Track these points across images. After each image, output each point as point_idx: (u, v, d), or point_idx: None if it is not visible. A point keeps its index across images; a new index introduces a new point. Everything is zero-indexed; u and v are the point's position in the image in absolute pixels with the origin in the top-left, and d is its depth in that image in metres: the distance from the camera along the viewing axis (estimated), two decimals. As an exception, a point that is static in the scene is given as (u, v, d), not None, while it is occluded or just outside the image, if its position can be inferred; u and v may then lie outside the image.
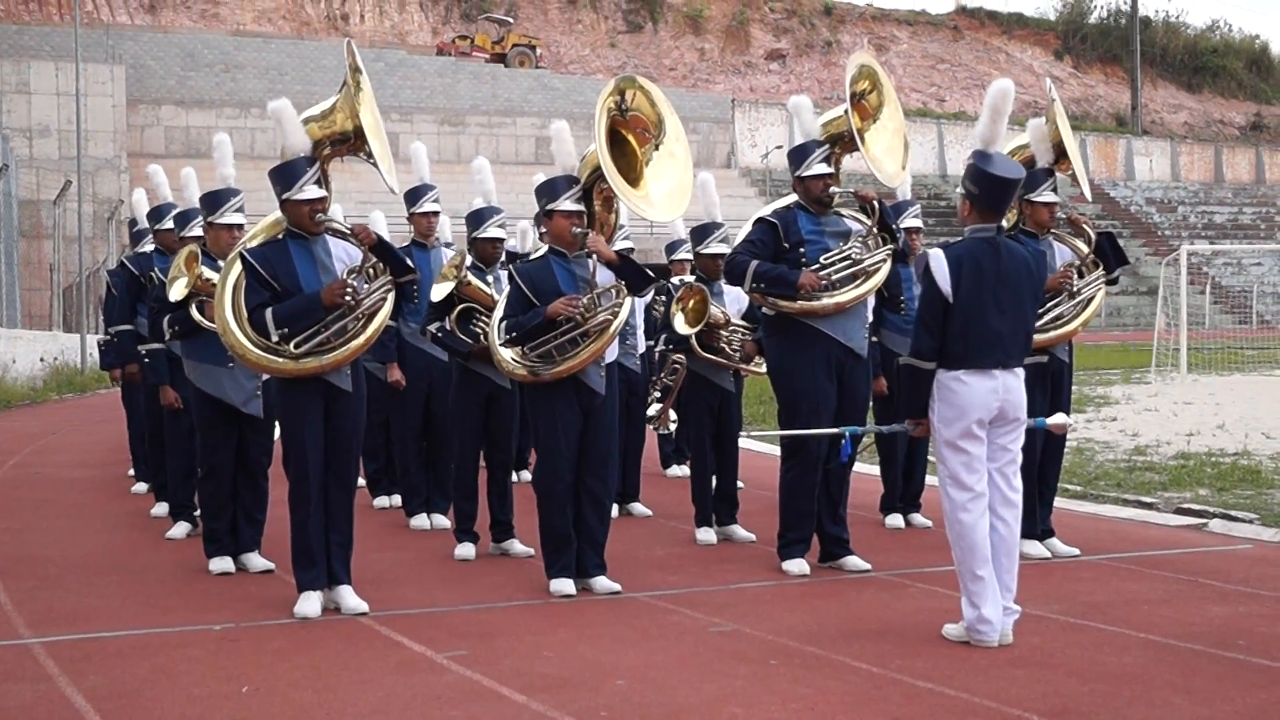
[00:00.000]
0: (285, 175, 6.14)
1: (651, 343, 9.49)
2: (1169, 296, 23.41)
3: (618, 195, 6.48)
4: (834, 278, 6.95)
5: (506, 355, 6.62)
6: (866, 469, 10.20)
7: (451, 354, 7.79)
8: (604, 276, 6.57)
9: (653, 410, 8.84)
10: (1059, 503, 8.08)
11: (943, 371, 5.55)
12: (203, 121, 44.74)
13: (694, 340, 8.11)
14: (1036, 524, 7.36)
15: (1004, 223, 5.74)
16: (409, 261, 6.40)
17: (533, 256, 7.01)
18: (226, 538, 7.24)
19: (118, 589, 6.79)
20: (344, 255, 6.28)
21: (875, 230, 7.13)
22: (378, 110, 6.33)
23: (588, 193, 6.65)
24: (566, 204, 6.53)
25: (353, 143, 6.23)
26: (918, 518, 8.53)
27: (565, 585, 6.51)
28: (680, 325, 8.07)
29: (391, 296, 6.27)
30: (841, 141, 7.18)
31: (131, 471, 11.09)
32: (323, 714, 4.65)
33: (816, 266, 6.96)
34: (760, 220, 7.14)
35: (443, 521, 8.58)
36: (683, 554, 7.72)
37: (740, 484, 8.47)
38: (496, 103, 49.96)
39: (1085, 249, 7.47)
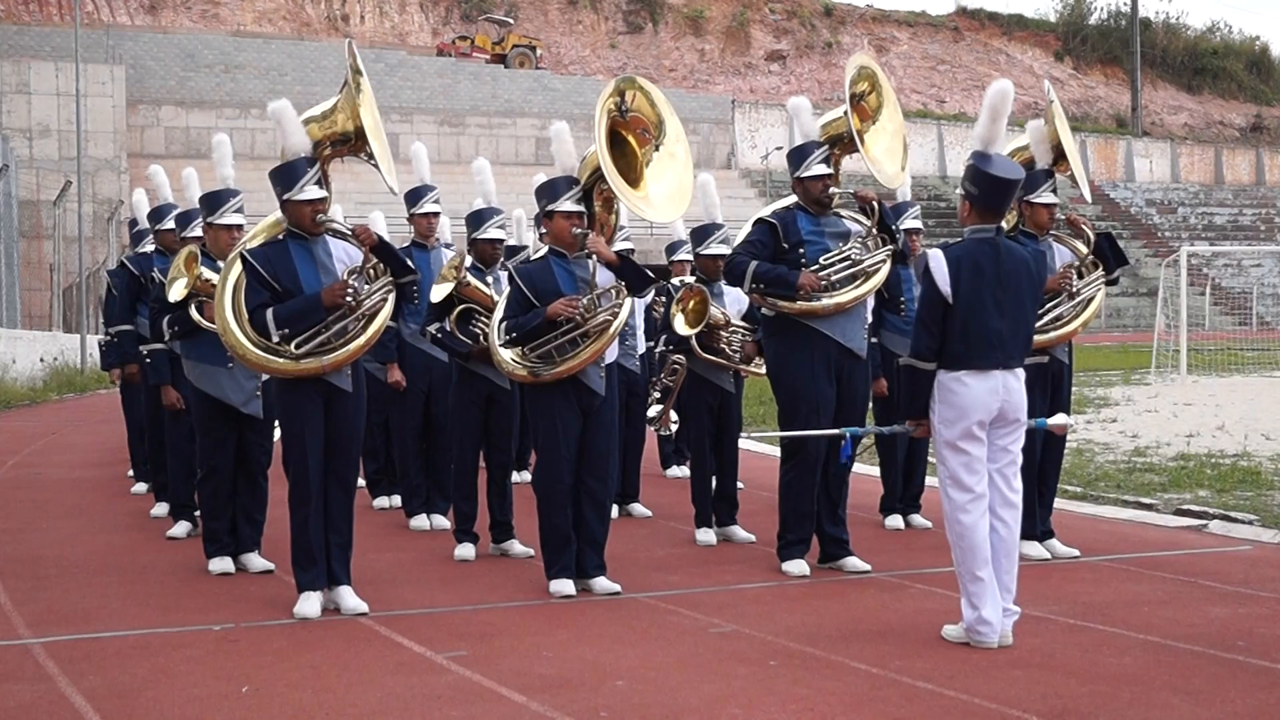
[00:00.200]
0: (286, 176, 6.14)
1: (652, 344, 9.50)
2: (1169, 298, 23.41)
3: (618, 196, 6.48)
4: (833, 278, 6.95)
5: (506, 356, 6.62)
6: (866, 470, 10.20)
7: (451, 355, 7.79)
8: (604, 277, 6.57)
9: (653, 411, 8.85)
10: (1059, 504, 8.08)
11: (943, 372, 5.55)
12: (203, 122, 44.73)
13: (694, 341, 8.11)
14: (1036, 525, 7.36)
15: (1004, 224, 5.73)
16: (409, 262, 6.40)
17: (533, 257, 7.01)
18: (226, 538, 7.24)
19: (117, 589, 6.79)
20: (344, 256, 6.28)
21: (875, 231, 7.14)
22: (378, 111, 6.33)
23: (588, 193, 6.65)
24: (567, 205, 6.53)
25: (353, 143, 6.23)
26: (917, 519, 8.54)
27: (565, 586, 6.51)
28: (680, 326, 8.07)
29: (392, 297, 6.27)
30: (841, 142, 7.19)
31: (131, 472, 11.09)
32: (322, 714, 4.65)
33: (816, 267, 6.96)
34: (760, 221, 7.14)
35: (442, 522, 8.59)
36: (682, 555, 7.72)
37: (740, 484, 8.47)
38: (496, 103, 49.96)
39: (1085, 250, 7.47)
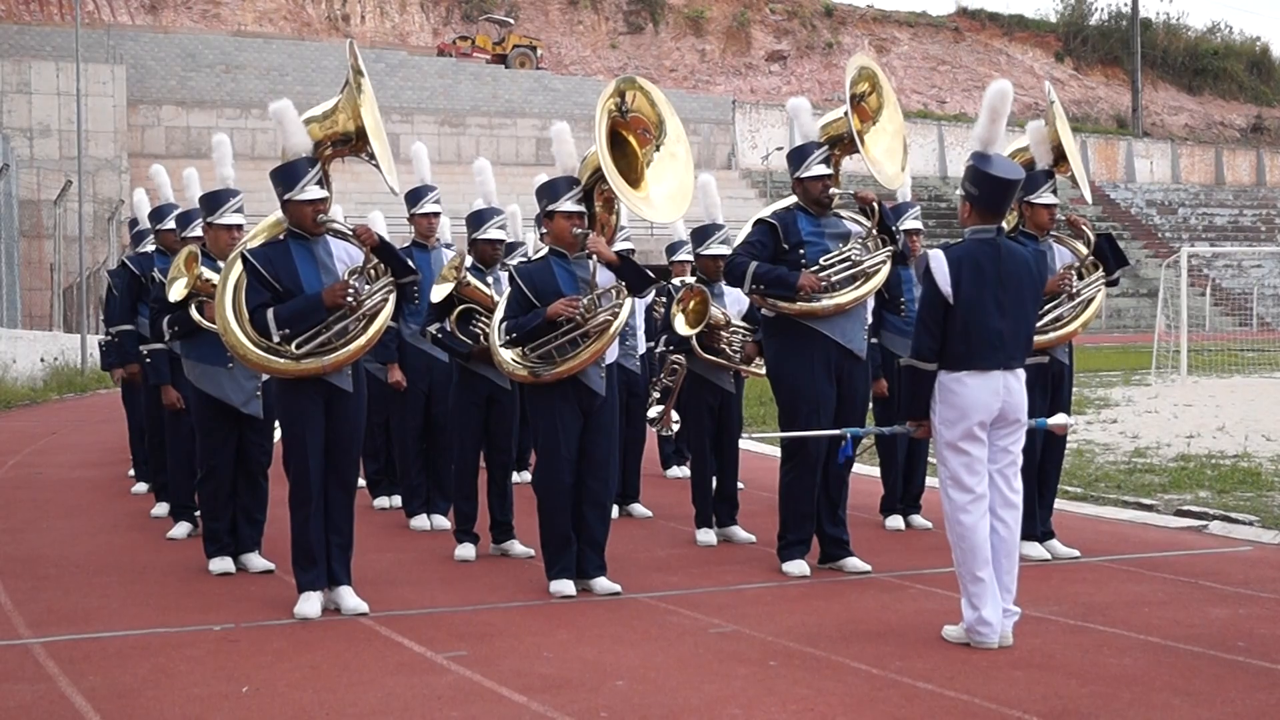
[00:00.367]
0: (287, 176, 6.14)
1: (652, 344, 9.50)
2: (1169, 298, 23.41)
3: (618, 196, 6.48)
4: (833, 279, 6.95)
5: (507, 356, 6.62)
6: (866, 470, 10.21)
7: (452, 355, 7.80)
8: (604, 277, 6.57)
9: (654, 412, 8.85)
10: (1059, 504, 8.08)
11: (944, 373, 5.55)
12: (203, 122, 44.73)
13: (695, 341, 8.11)
14: (1036, 526, 7.36)
15: (1004, 224, 5.73)
16: (410, 263, 6.40)
17: (533, 257, 7.00)
18: (227, 538, 7.25)
19: (118, 589, 6.80)
20: (345, 256, 6.28)
21: (875, 232, 7.14)
22: (379, 111, 6.33)
23: (588, 194, 6.65)
24: (567, 205, 6.53)
25: (354, 143, 6.23)
26: (918, 519, 8.53)
27: (565, 586, 6.51)
28: (681, 326, 8.08)
29: (393, 298, 6.27)
30: (841, 143, 7.19)
31: (131, 472, 11.09)
32: (323, 714, 4.65)
33: (816, 268, 6.96)
34: (760, 221, 7.14)
35: (443, 522, 8.59)
36: (683, 555, 7.72)
37: (740, 485, 8.47)
38: (497, 104, 49.96)
39: (1085, 250, 7.47)
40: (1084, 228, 7.53)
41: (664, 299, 9.19)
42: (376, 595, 6.39)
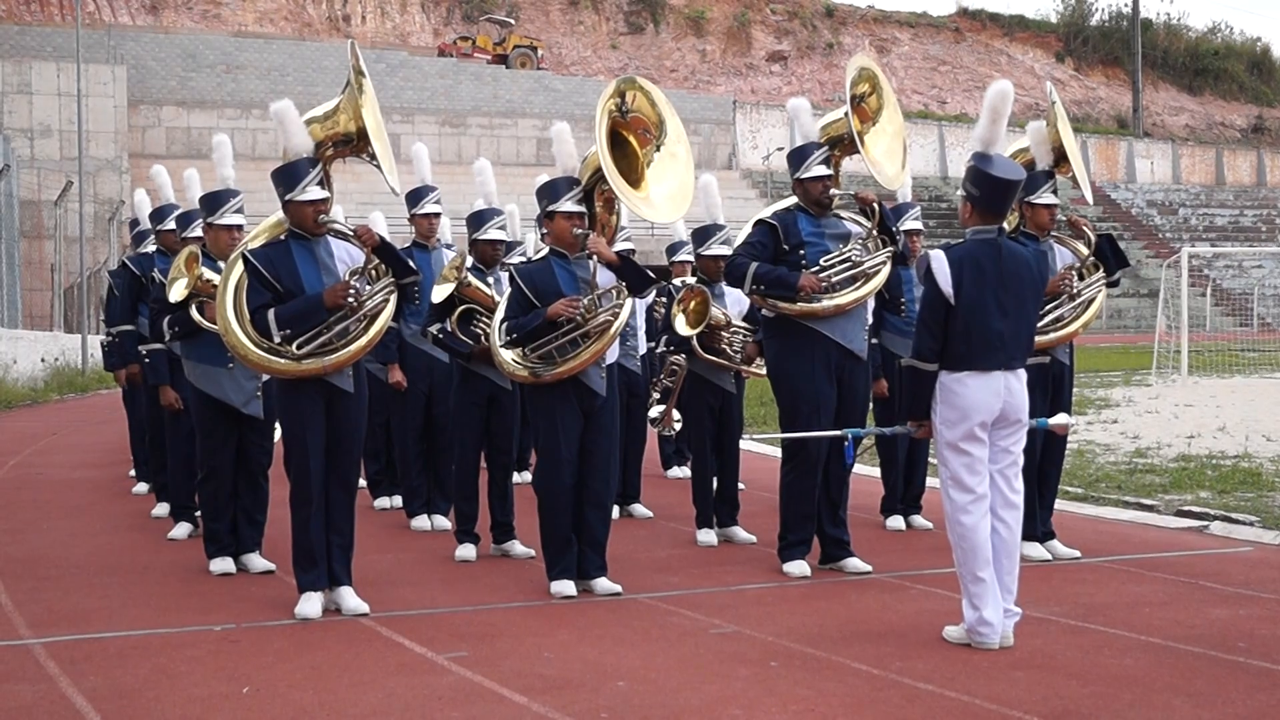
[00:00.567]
0: (288, 176, 6.14)
1: (653, 344, 9.50)
2: (1170, 299, 23.41)
3: (619, 197, 6.48)
4: (834, 280, 6.95)
5: (507, 356, 6.62)
6: (867, 471, 10.21)
7: (452, 355, 7.80)
8: (605, 278, 6.57)
9: (655, 412, 8.85)
10: (1059, 505, 8.08)
11: (945, 373, 5.55)
12: (204, 122, 44.74)
13: (695, 342, 8.11)
14: (1037, 526, 7.36)
15: (1004, 225, 5.73)
16: (410, 263, 6.40)
17: (534, 257, 7.00)
18: (227, 538, 7.25)
19: (118, 589, 6.80)
20: (346, 256, 6.28)
21: (875, 233, 7.14)
22: (379, 112, 6.33)
23: (589, 194, 6.65)
24: (568, 205, 6.53)
25: (355, 144, 6.23)
26: (918, 519, 8.53)
27: (566, 586, 6.51)
28: (681, 327, 8.08)
29: (394, 298, 6.27)
30: (841, 144, 7.19)
31: (132, 472, 11.09)
32: (323, 715, 4.66)
33: (816, 269, 6.96)
34: (760, 222, 7.14)
35: (443, 523, 8.59)
36: (683, 555, 7.72)
37: (741, 485, 8.47)
38: (498, 104, 49.98)
39: (1085, 251, 7.47)
40: (1085, 228, 7.53)
41: (665, 299, 9.18)
42: (377, 596, 6.39)
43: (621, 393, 7.31)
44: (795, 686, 4.94)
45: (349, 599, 6.19)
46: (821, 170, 7.03)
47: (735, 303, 8.30)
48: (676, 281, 10.00)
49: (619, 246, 7.29)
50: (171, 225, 8.91)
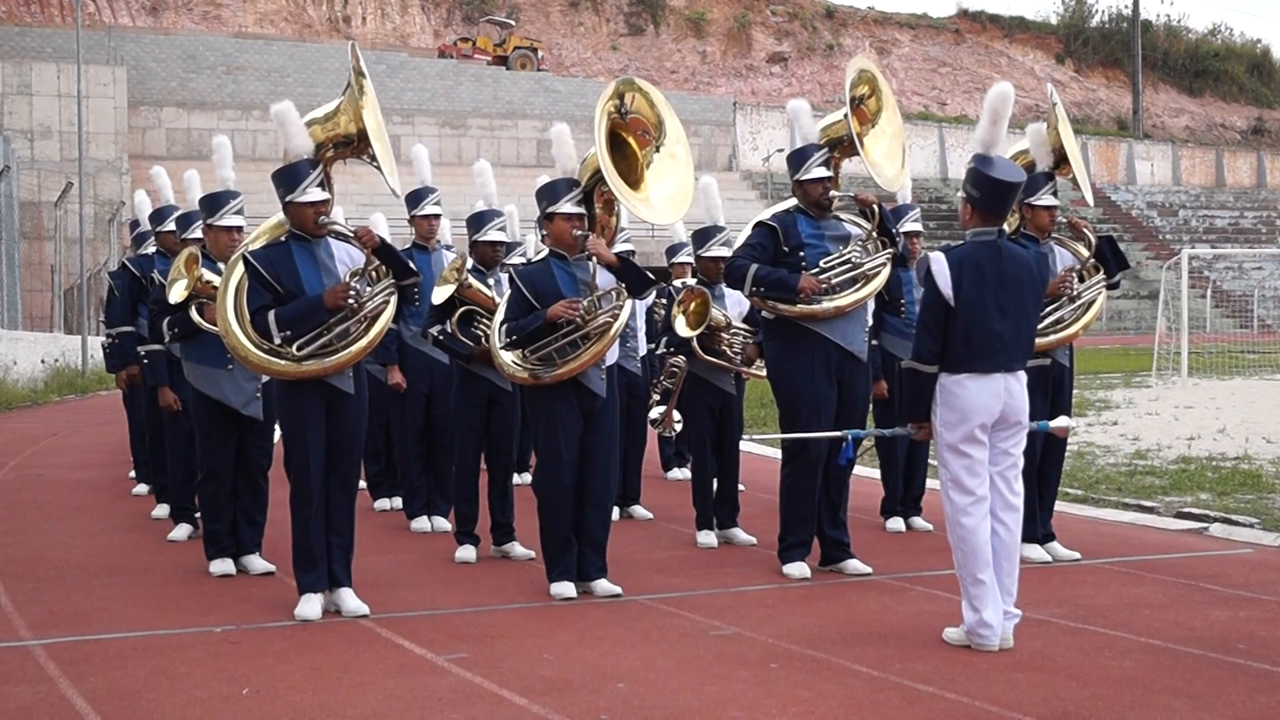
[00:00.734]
0: (289, 177, 6.14)
1: (653, 345, 9.50)
2: (1170, 300, 23.41)
3: (618, 198, 6.48)
4: (834, 281, 6.96)
5: (507, 358, 6.62)
6: (867, 472, 10.21)
7: (453, 356, 7.80)
8: (604, 279, 6.57)
9: (655, 414, 8.85)
10: (1059, 506, 8.08)
11: (945, 375, 5.55)
12: (204, 123, 44.73)
13: (695, 343, 8.12)
14: (1037, 528, 7.36)
15: (1005, 226, 5.73)
16: (411, 264, 6.40)
17: (533, 259, 7.00)
18: (227, 539, 7.25)
19: (118, 591, 6.80)
20: (346, 258, 6.28)
21: (875, 234, 7.14)
22: (380, 113, 6.33)
23: (588, 195, 6.65)
24: (567, 207, 6.53)
25: (356, 145, 6.23)
26: (918, 521, 8.53)
27: (566, 588, 6.51)
28: (682, 328, 8.08)
29: (394, 300, 6.27)
30: (841, 145, 7.19)
31: (133, 473, 11.09)
32: (323, 716, 4.66)
33: (816, 270, 6.96)
34: (760, 224, 7.15)
35: (443, 524, 8.59)
36: (683, 557, 7.72)
37: (741, 487, 8.47)
38: (498, 105, 49.99)
39: (1086, 253, 7.48)
40: (1085, 230, 7.53)
41: (665, 301, 9.18)
42: (377, 597, 6.39)
43: (621, 394, 7.31)
44: (795, 688, 4.94)
45: (349, 600, 6.19)
46: (821, 172, 7.03)
47: (735, 304, 8.30)
48: (677, 283, 10.00)
49: (619, 248, 7.29)
50: (171, 226, 8.91)
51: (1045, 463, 7.42)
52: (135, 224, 10.61)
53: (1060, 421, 6.20)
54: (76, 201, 30.49)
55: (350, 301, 6.08)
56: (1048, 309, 7.15)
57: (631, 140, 6.63)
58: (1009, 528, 5.58)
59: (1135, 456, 11.93)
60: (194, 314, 7.36)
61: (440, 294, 7.72)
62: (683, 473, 11.17)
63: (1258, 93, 73.67)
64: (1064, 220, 7.47)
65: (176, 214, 8.86)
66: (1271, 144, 68.42)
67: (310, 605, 6.11)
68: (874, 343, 7.76)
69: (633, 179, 6.54)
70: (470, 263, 7.91)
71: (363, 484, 9.42)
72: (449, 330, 7.63)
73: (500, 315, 6.81)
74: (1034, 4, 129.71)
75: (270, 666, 5.29)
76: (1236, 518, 8.52)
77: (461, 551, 7.59)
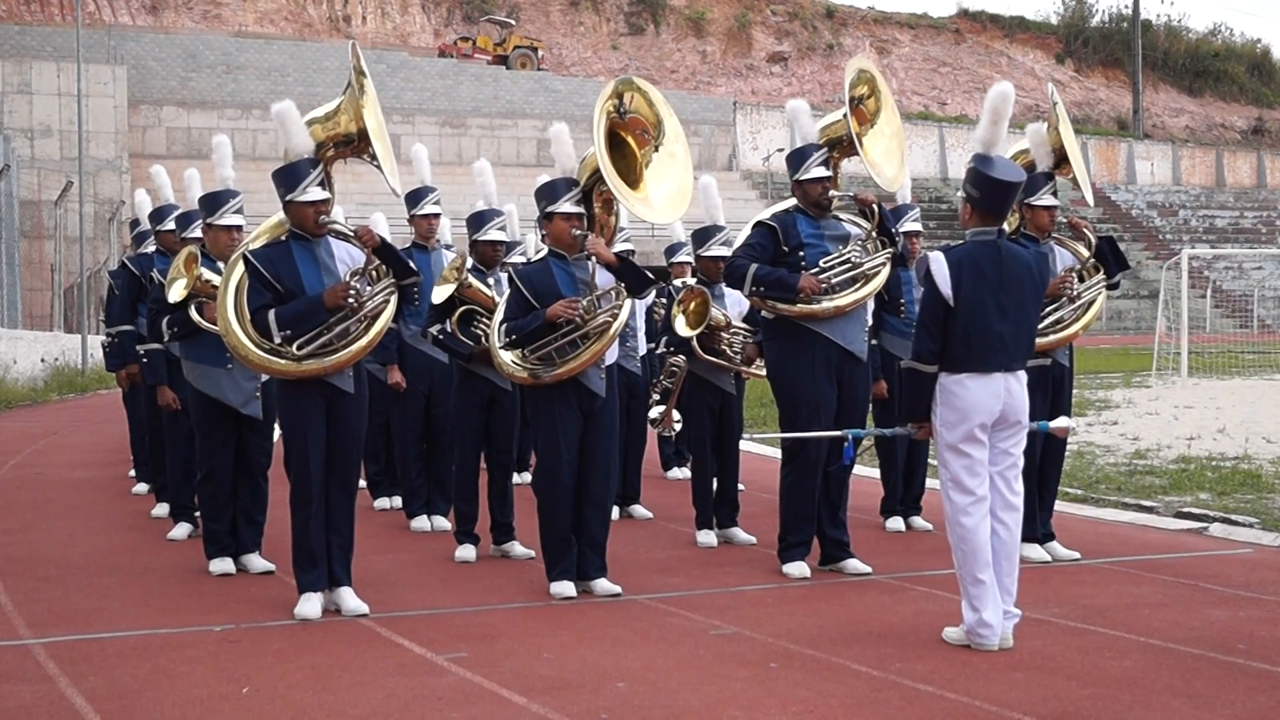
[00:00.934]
0: (289, 177, 6.14)
1: (652, 345, 9.50)
2: (1170, 300, 23.41)
3: (617, 198, 6.48)
4: (833, 281, 6.96)
5: (506, 358, 6.62)
6: (867, 472, 10.21)
7: (452, 356, 7.80)
8: (604, 279, 6.57)
9: (655, 413, 8.85)
10: (1059, 506, 8.08)
11: (945, 375, 5.55)
12: (204, 123, 44.74)
13: (695, 343, 8.12)
14: (1037, 527, 7.36)
15: (1005, 226, 5.73)
16: (411, 264, 6.40)
17: (533, 258, 7.00)
18: (227, 539, 7.25)
19: (118, 590, 6.80)
20: (346, 257, 6.28)
21: (874, 234, 7.14)
22: (381, 113, 6.33)
23: (588, 195, 6.65)
24: (566, 206, 6.53)
25: (356, 145, 6.23)
26: (918, 521, 8.53)
27: (566, 587, 6.51)
28: (681, 328, 8.08)
29: (394, 299, 6.27)
30: (840, 145, 7.19)
31: (132, 472, 11.09)
32: (323, 715, 4.66)
33: (816, 270, 6.96)
34: (759, 224, 7.15)
35: (443, 523, 8.59)
36: (683, 556, 7.72)
37: (741, 486, 8.48)
38: (498, 105, 49.99)
39: (1086, 253, 7.48)
40: (1085, 230, 7.53)
41: (664, 300, 9.19)
42: (377, 596, 6.39)
43: (621, 394, 7.31)
44: (795, 688, 4.94)
45: (349, 600, 6.19)
46: (821, 172, 7.03)
47: (735, 304, 8.30)
48: (676, 282, 10.00)
49: (618, 247, 7.29)
50: (171, 226, 8.91)
51: (1045, 463, 7.42)
52: (135, 223, 10.62)
53: (1060, 422, 6.21)
54: (76, 200, 30.50)
55: (350, 301, 6.08)
56: (1048, 309, 7.15)
57: (630, 140, 6.63)
58: (1009, 527, 5.58)
59: (1135, 456, 11.93)
60: (193, 313, 7.36)
61: (440, 293, 7.72)
62: (683, 472, 11.18)
63: (1258, 93, 73.67)
64: (1064, 220, 7.47)
65: (176, 213, 8.85)
66: (1271, 144, 68.42)
67: (310, 604, 6.11)
68: (874, 343, 7.76)
69: (632, 178, 6.54)
70: (470, 262, 7.91)
71: (363, 484, 9.42)
72: (449, 330, 7.63)
73: (499, 315, 6.81)
74: (1034, 4, 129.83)
75: (270, 666, 5.29)
76: (1236, 518, 8.52)
77: (461, 551, 7.59)
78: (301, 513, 6.16)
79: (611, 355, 6.65)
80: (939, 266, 5.53)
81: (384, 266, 6.27)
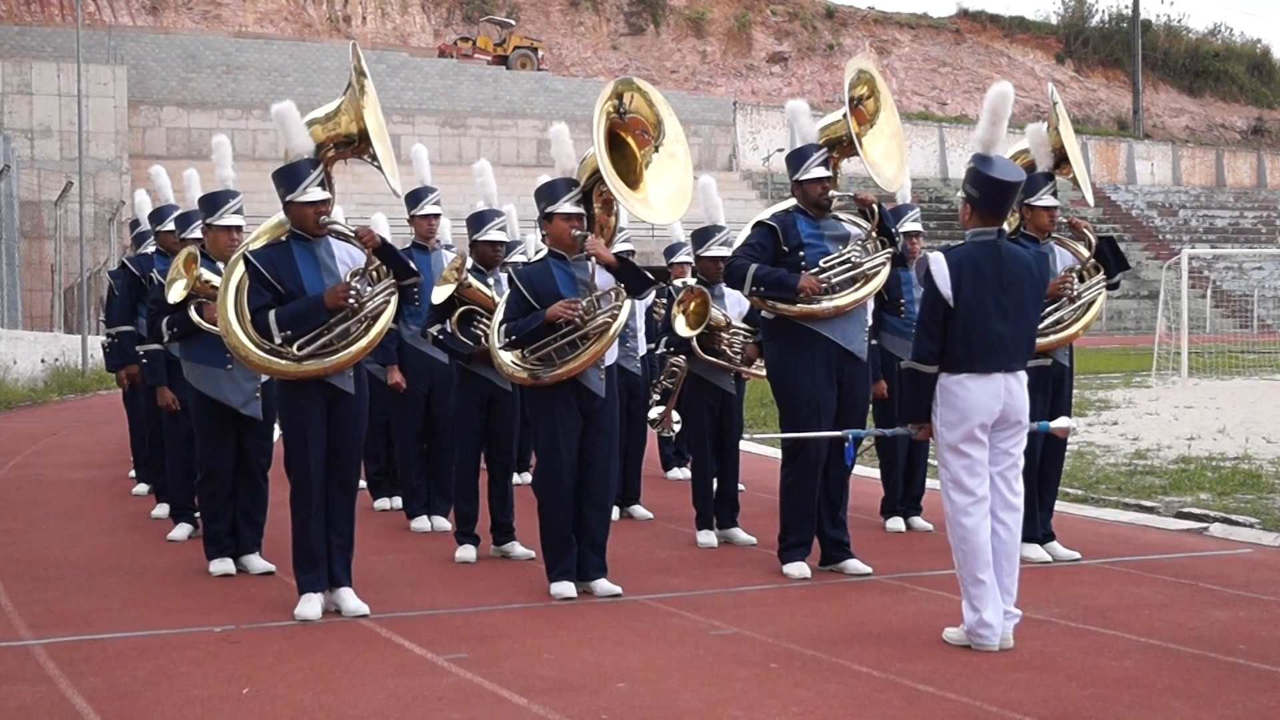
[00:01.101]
0: (290, 177, 6.14)
1: (652, 345, 9.49)
2: (1170, 300, 23.42)
3: (617, 198, 6.48)
4: (833, 281, 6.96)
5: (506, 358, 6.62)
6: (867, 472, 10.21)
7: (452, 356, 7.80)
8: (603, 279, 6.57)
9: (654, 413, 8.85)
10: (1060, 506, 8.08)
11: (945, 375, 5.55)
12: (204, 123, 44.73)
13: (695, 343, 8.12)
14: (1037, 528, 7.36)
15: (1005, 226, 5.73)
16: (411, 264, 6.40)
17: (533, 259, 7.00)
18: (227, 539, 7.25)
19: (118, 590, 6.80)
20: (347, 257, 6.28)
21: (874, 234, 7.14)
22: (381, 113, 6.33)
23: (587, 195, 6.65)
24: (566, 206, 6.53)
25: (357, 145, 6.23)
26: (918, 521, 8.53)
27: (566, 588, 6.51)
28: (681, 328, 8.08)
29: (395, 299, 6.27)
30: (840, 146, 7.19)
31: (133, 473, 11.09)
32: (323, 716, 4.65)
33: (816, 270, 6.96)
34: (759, 224, 7.15)
35: (443, 524, 8.59)
36: (683, 557, 7.72)
37: (741, 487, 8.47)
38: (498, 105, 49.99)
39: (1086, 253, 7.48)
40: (1085, 230, 7.53)
41: (664, 301, 9.19)
42: (377, 597, 6.39)
43: (621, 394, 7.31)
44: (795, 688, 4.94)
45: (349, 600, 6.19)
46: (820, 172, 7.03)
47: (735, 304, 8.30)
48: (676, 283, 10.00)
49: (618, 248, 7.28)
50: (171, 226, 8.90)
51: (1045, 463, 7.42)
52: (135, 223, 10.61)
53: (1061, 422, 6.21)
54: (76, 201, 30.50)
55: (351, 301, 6.08)
56: (1048, 309, 7.15)
57: (630, 140, 6.63)
58: (1009, 528, 5.57)
59: (1135, 456, 11.93)
60: (193, 313, 7.36)
61: (440, 294, 7.72)
62: (683, 472, 11.17)
63: (1258, 93, 73.66)
64: (1064, 220, 7.47)
65: (176, 213, 8.85)
66: (1271, 144, 68.42)
67: (310, 605, 6.11)
68: (874, 343, 7.76)
69: (632, 179, 6.54)
70: (470, 262, 7.91)
71: (363, 484, 9.42)
72: (449, 330, 7.63)
73: (499, 315, 6.81)
74: (1034, 4, 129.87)
75: (270, 666, 5.29)
76: (1236, 518, 8.52)
77: (461, 551, 7.59)
78: (301, 513, 6.16)
79: (611, 356, 6.65)
80: (939, 267, 5.53)
81: (384, 267, 6.27)
